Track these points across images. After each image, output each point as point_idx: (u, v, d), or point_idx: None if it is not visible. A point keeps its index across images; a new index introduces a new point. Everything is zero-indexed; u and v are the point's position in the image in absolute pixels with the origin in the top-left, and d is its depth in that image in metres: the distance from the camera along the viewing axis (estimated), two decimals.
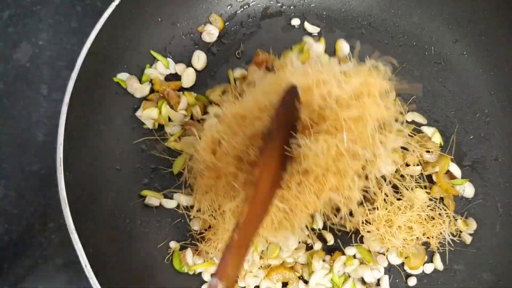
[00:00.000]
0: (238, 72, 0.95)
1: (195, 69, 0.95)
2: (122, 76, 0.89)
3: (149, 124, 0.90)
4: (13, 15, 1.09)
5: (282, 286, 0.85)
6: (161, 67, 0.93)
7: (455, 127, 0.92)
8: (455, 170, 0.90)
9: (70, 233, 0.68)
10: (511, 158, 0.89)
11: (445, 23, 0.94)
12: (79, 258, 0.67)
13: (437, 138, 0.91)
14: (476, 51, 0.93)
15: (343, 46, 0.97)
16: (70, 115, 0.74)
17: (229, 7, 0.98)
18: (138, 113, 0.90)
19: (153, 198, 0.86)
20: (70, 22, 1.09)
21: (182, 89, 0.94)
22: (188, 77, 0.94)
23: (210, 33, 0.95)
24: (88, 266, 0.66)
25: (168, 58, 0.94)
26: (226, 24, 0.97)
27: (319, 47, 0.96)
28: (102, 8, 1.09)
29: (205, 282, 0.85)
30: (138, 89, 0.90)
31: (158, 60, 0.94)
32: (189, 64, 0.96)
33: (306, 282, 0.85)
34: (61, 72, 1.06)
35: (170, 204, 0.87)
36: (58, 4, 1.10)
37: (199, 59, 0.95)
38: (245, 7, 0.98)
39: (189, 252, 0.84)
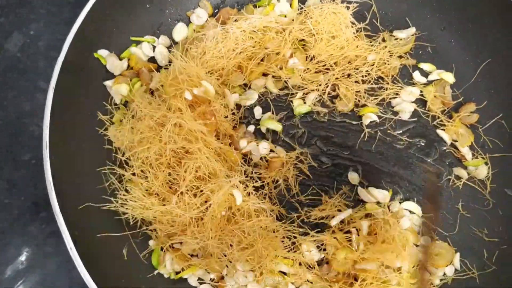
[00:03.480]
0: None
1: (174, 41, 0.95)
2: (102, 53, 0.87)
3: (117, 99, 0.89)
4: (5, 5, 1.09)
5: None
6: (146, 48, 0.92)
7: None
8: (466, 151, 0.89)
9: (56, 216, 0.68)
10: (497, 143, 0.89)
11: (433, 11, 0.94)
12: (64, 240, 0.67)
13: (450, 77, 0.92)
14: (463, 39, 0.93)
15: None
16: (56, 100, 0.74)
17: None
18: (108, 83, 0.88)
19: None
20: (62, 12, 1.09)
21: (159, 68, 0.93)
22: (162, 55, 0.93)
23: (199, 16, 0.95)
24: (74, 248, 0.66)
25: (154, 37, 0.93)
26: (215, 11, 0.97)
27: (285, 5, 0.96)
28: None
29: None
30: (118, 67, 0.88)
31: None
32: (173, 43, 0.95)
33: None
34: (52, 62, 1.04)
35: None
36: None
37: (181, 30, 0.95)
38: None
39: (168, 256, 0.82)
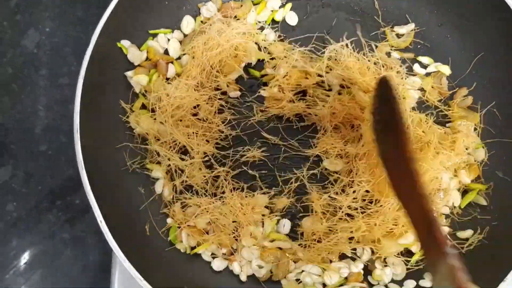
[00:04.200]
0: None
1: (184, 34, 0.98)
2: (125, 43, 0.90)
3: (136, 89, 0.92)
4: (20, 3, 1.13)
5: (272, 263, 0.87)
6: (162, 40, 0.95)
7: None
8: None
9: (86, 193, 0.72)
10: (492, 135, 0.93)
11: (432, 9, 0.99)
12: (94, 213, 0.73)
13: (446, 69, 0.97)
14: (459, 35, 0.98)
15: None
16: (84, 89, 0.78)
17: None
18: (129, 74, 0.91)
19: (157, 172, 0.89)
20: (75, 10, 1.14)
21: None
22: (173, 48, 0.95)
23: (209, 9, 0.97)
24: (103, 221, 0.71)
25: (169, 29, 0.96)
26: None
27: (277, 2, 1.00)
28: None
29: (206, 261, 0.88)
30: (138, 57, 0.91)
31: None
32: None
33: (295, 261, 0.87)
34: (67, 58, 1.10)
35: None
36: None
37: (188, 24, 0.97)
38: None
39: (184, 233, 0.87)
